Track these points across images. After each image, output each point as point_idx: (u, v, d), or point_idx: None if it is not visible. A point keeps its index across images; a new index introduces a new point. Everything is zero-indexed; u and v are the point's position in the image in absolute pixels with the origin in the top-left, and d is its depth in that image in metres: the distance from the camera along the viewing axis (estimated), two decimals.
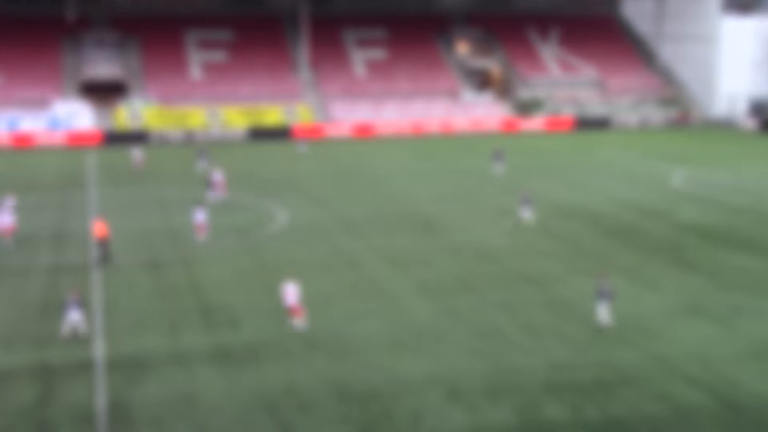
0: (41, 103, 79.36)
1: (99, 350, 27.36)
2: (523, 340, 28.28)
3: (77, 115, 77.97)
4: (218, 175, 50.82)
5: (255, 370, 25.81)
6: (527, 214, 43.76)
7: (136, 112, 79.74)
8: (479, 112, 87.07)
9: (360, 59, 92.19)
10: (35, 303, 32.12)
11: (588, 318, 29.95)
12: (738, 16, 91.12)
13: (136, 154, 62.66)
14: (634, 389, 24.45)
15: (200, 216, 40.93)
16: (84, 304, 29.03)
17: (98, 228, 37.20)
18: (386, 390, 24.44)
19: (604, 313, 28.86)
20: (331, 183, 56.55)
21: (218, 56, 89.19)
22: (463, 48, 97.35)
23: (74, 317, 27.96)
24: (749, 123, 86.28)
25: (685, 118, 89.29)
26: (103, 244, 37.25)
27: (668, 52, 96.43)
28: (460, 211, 47.41)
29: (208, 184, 50.88)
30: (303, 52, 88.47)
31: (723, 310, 31.18)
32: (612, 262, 37.23)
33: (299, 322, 29.03)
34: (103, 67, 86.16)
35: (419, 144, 75.48)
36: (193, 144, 75.85)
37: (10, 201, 43.87)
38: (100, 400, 23.76)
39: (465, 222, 44.94)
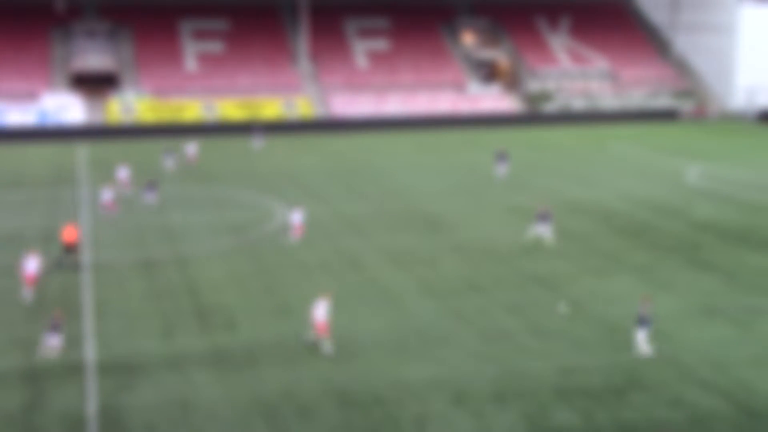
0: (29, 96, 78.24)
1: (90, 353, 26.70)
2: (532, 342, 27.63)
3: (67, 109, 76.94)
4: (123, 172, 50.76)
5: (253, 374, 25.25)
6: (545, 231, 39.39)
7: (128, 105, 78.74)
8: (486, 105, 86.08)
9: (362, 50, 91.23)
10: (23, 305, 31.27)
11: (600, 320, 29.22)
12: (757, 5, 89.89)
13: (191, 148, 60.92)
14: (647, 394, 23.97)
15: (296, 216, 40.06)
16: (61, 328, 26.92)
17: (68, 233, 35.58)
18: (389, 395, 23.95)
19: (643, 341, 26.80)
20: (332, 178, 55.71)
21: (214, 47, 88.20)
22: (469, 38, 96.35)
23: (52, 342, 26.44)
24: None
25: (701, 112, 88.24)
26: (72, 249, 35.51)
27: (684, 43, 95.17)
28: (466, 208, 46.62)
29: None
30: (302, 42, 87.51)
31: (740, 311, 30.54)
32: (624, 262, 36.54)
33: (327, 344, 26.92)
34: (93, 58, 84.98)
35: (424, 138, 74.65)
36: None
37: None
38: (91, 406, 23.23)
39: (471, 219, 44.15)
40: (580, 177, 54.80)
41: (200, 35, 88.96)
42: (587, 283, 33.60)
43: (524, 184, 53.21)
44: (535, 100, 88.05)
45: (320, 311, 26.79)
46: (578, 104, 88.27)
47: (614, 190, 51.48)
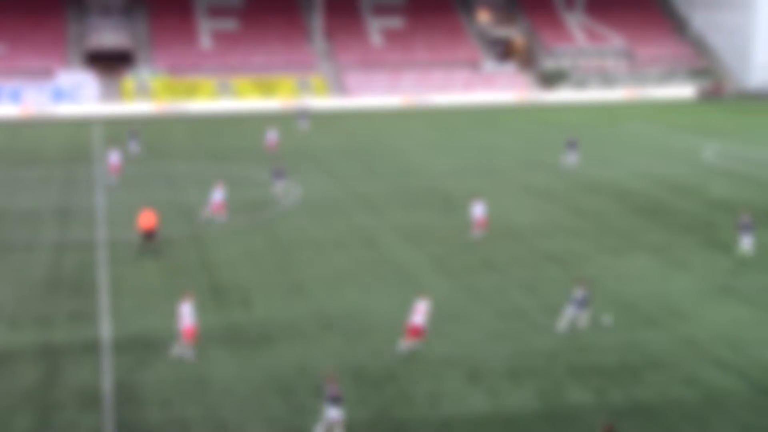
0: (45, 74, 78.34)
1: (105, 330, 26.77)
2: (547, 321, 27.50)
3: (82, 86, 76.99)
4: (114, 157, 48.08)
5: (268, 352, 25.26)
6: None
7: (143, 83, 78.72)
8: (501, 83, 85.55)
9: (376, 28, 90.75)
10: (40, 281, 31.50)
11: (614, 299, 29.13)
12: None
13: (271, 135, 58.38)
14: (662, 373, 23.88)
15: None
16: (341, 399, 20.97)
17: (145, 219, 34.15)
18: (403, 372, 23.91)
19: (573, 319, 26.68)
20: (347, 157, 55.59)
21: (229, 24, 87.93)
22: (484, 16, 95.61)
23: (332, 415, 20.54)
24: None
25: (718, 89, 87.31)
26: (150, 236, 34.08)
27: (700, 20, 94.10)
28: (481, 187, 46.29)
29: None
30: (317, 20, 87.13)
31: (755, 291, 30.30)
32: (640, 241, 36.33)
33: (409, 344, 25.04)
34: (108, 35, 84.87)
35: (438, 117, 74.31)
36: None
37: None
38: (107, 382, 23.30)
39: (486, 198, 43.84)
40: (596, 156, 54.46)
41: (215, 13, 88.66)
42: (602, 261, 33.42)
43: (538, 162, 52.93)
44: (550, 78, 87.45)
45: (419, 313, 25.00)
46: (593, 83, 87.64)
47: (630, 168, 51.12)
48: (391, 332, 26.48)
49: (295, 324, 27.24)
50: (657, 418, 21.53)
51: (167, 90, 78.69)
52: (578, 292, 26.45)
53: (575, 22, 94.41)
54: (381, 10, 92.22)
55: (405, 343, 25.13)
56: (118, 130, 63.17)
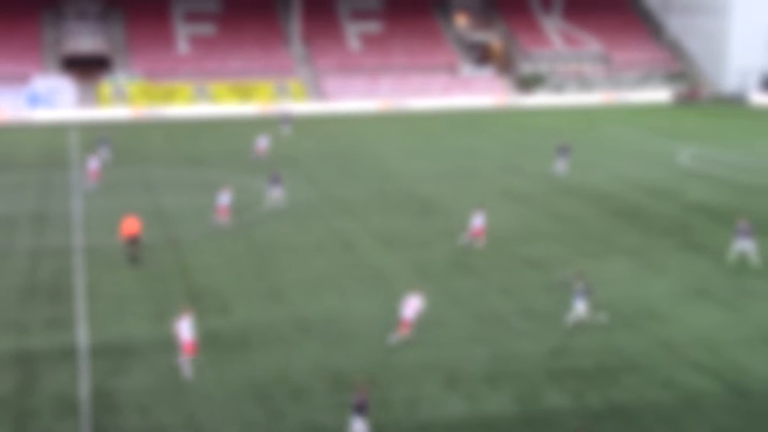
0: (21, 79, 77.65)
1: (82, 337, 26.60)
2: (525, 325, 27.64)
3: (58, 91, 76.45)
4: (94, 163, 47.77)
5: (246, 357, 25.24)
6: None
7: (120, 88, 78.28)
8: (479, 88, 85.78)
9: (354, 32, 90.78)
10: (16, 287, 31.27)
11: (592, 302, 29.19)
12: None
13: (262, 141, 57.23)
14: (639, 375, 24.04)
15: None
16: (366, 409, 20.75)
17: (128, 225, 33.90)
18: (381, 377, 23.90)
19: (583, 311, 27.41)
20: (325, 161, 55.53)
21: (206, 29, 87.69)
22: (462, 20, 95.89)
23: (357, 428, 20.44)
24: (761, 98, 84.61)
25: (694, 93, 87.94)
26: (134, 242, 33.85)
27: (677, 25, 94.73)
28: (459, 191, 46.47)
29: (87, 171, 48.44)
30: (295, 24, 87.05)
31: (731, 293, 30.56)
32: (617, 244, 36.55)
33: (398, 337, 26.05)
34: (85, 40, 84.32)
35: (416, 121, 74.36)
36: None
37: None
38: (84, 389, 23.19)
39: (464, 202, 43.99)
40: (574, 160, 54.68)
41: (192, 17, 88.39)
42: (580, 265, 33.41)
43: (516, 166, 53.11)
44: (527, 82, 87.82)
45: (410, 308, 25.85)
46: (571, 87, 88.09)
47: (607, 172, 51.38)
48: (369, 337, 26.53)
49: (273, 329, 27.20)
50: (633, 421, 21.66)
51: (144, 95, 78.30)
52: (579, 285, 27.08)
53: (553, 27, 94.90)
54: (359, 15, 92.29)
55: (396, 336, 25.96)
56: (95, 135, 62.68)
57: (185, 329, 24.18)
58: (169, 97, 78.68)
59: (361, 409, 20.13)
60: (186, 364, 24.12)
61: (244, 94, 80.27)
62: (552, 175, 50.31)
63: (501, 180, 49.33)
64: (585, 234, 38.19)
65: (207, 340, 26.20)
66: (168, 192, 46.15)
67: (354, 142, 63.10)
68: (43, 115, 74.33)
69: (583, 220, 40.59)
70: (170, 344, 25.84)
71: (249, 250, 35.76)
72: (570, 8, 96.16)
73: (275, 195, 42.93)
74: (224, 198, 39.32)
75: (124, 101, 77.44)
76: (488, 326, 27.51)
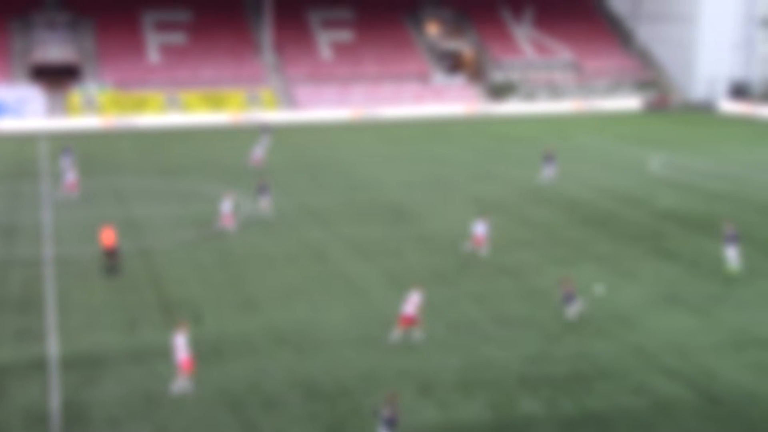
0: None
1: (53, 348, 26.31)
2: (498, 332, 27.70)
3: (27, 101, 75.80)
4: (71, 175, 47.45)
5: (219, 367, 25.05)
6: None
7: (90, 97, 77.75)
8: (451, 96, 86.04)
9: (326, 41, 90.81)
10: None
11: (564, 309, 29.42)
12: None
13: (258, 150, 57.45)
14: (611, 382, 24.14)
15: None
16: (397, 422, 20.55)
17: (106, 236, 33.79)
18: (355, 386, 23.91)
19: (574, 312, 28.76)
20: (296, 170, 55.41)
21: (177, 38, 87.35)
22: (433, 29, 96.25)
23: None
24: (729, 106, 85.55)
25: (663, 101, 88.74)
26: (111, 254, 33.66)
27: (646, 33, 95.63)
28: (431, 199, 46.56)
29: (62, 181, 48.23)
30: (266, 33, 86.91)
31: (702, 299, 30.79)
32: (589, 251, 36.74)
33: (399, 333, 26.83)
34: (54, 49, 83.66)
35: (388, 129, 74.46)
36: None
37: None
38: (54, 401, 22.94)
39: (437, 210, 44.13)
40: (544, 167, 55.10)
41: (163, 27, 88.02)
42: (552, 272, 33.63)
43: (488, 174, 53.32)
44: (499, 90, 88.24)
45: (411, 303, 26.73)
46: (542, 95, 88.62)
47: (578, 179, 51.68)
48: (342, 346, 26.46)
49: (246, 339, 27.06)
50: (607, 427, 21.74)
51: (115, 104, 77.80)
52: (563, 290, 28.14)
53: (523, 35, 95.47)
54: (330, 24, 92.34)
55: (396, 332, 26.52)
56: (66, 144, 62.09)
57: (181, 346, 23.73)
58: (139, 106, 78.24)
59: (391, 423, 19.93)
60: (184, 383, 23.68)
61: (215, 103, 80.00)
62: (539, 183, 50.46)
63: (473, 188, 49.48)
64: (557, 241, 38.37)
65: None
66: (139, 202, 45.84)
67: (326, 151, 63.05)
68: (11, 125, 73.61)
69: (554, 227, 40.79)
70: (142, 355, 25.74)
71: (221, 260, 35.58)
72: (540, 17, 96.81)
73: (263, 204, 42.83)
74: (226, 205, 39.65)
75: (95, 111, 76.90)
76: (462, 334, 27.53)
